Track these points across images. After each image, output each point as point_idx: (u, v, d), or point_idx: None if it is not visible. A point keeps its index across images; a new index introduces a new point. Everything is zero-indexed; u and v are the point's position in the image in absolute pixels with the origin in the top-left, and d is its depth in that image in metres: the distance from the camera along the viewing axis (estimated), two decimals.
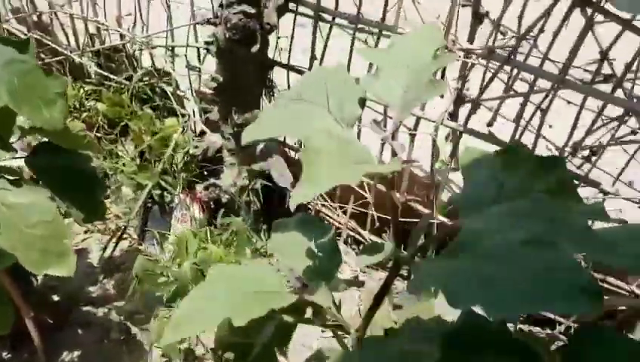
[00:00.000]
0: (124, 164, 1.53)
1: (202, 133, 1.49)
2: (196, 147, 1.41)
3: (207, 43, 1.33)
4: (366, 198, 1.38)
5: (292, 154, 1.49)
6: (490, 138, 1.14)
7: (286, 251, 0.52)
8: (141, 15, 1.57)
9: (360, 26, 1.17)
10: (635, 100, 1.03)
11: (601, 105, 1.06)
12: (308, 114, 0.45)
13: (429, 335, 0.49)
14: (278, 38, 1.31)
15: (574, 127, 1.09)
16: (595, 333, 0.47)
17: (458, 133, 1.17)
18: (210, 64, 1.52)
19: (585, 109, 1.07)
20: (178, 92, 1.62)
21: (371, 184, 1.32)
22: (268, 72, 1.34)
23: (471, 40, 1.09)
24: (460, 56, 1.08)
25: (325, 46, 1.25)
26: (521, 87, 1.15)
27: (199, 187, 1.48)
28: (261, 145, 1.42)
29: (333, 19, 1.22)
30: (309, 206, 1.49)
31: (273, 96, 1.39)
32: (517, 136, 1.14)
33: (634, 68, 1.02)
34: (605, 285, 1.20)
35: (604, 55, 1.07)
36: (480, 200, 0.47)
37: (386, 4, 1.15)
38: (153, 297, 1.28)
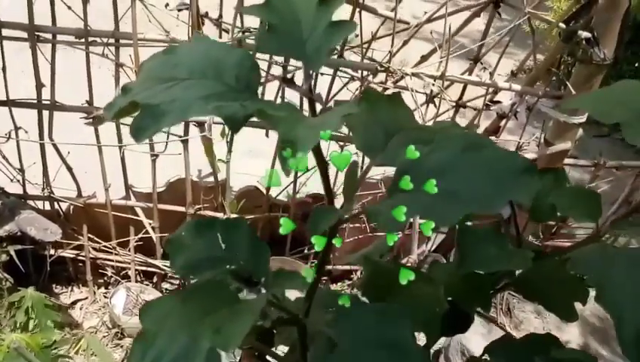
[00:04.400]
0: None
1: None
2: None
3: None
4: (144, 228, 1.26)
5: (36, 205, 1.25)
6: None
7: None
8: None
9: (92, 38, 1.05)
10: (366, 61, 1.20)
11: None
12: (204, 90, 0.38)
13: None
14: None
15: None
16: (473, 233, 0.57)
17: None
18: None
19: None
20: None
21: (152, 207, 1.21)
22: None
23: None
24: None
25: (53, 67, 1.07)
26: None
27: None
28: None
29: (54, 36, 1.05)
30: (81, 256, 1.28)
31: None
32: None
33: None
34: None
35: None
36: (376, 143, 0.49)
37: (115, 13, 1.05)
38: None
